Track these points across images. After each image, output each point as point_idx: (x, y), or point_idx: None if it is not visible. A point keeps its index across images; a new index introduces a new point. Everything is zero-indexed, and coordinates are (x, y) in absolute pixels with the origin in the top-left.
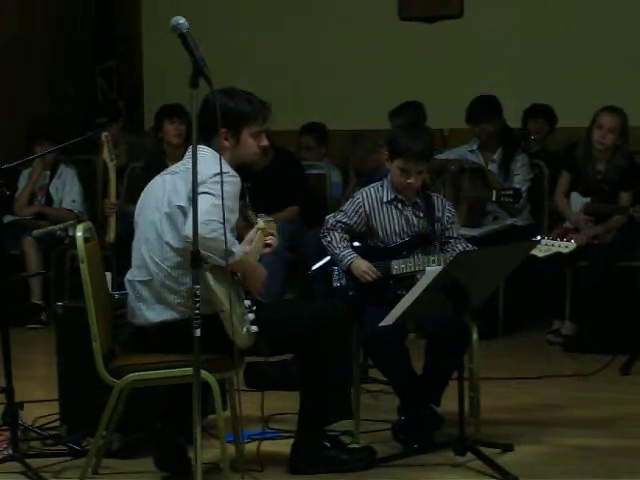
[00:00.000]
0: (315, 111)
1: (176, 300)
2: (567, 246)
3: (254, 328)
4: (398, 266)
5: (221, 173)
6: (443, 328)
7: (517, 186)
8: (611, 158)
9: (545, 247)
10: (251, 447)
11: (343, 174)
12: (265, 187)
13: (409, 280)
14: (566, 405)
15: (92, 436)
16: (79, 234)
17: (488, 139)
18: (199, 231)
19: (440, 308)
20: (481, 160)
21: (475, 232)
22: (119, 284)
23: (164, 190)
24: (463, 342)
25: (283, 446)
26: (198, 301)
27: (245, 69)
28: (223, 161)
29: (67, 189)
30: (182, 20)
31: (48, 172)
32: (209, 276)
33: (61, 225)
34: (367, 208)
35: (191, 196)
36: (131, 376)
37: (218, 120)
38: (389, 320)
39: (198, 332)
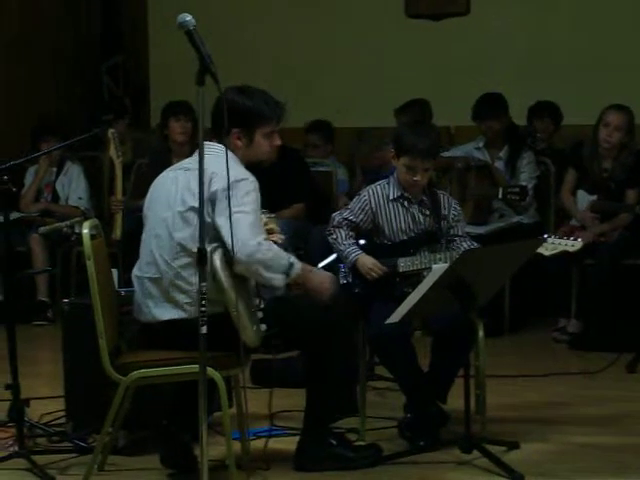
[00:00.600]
0: (321, 109)
1: (185, 299)
2: (574, 245)
3: (263, 326)
4: (405, 263)
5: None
6: (449, 326)
7: (523, 184)
8: (617, 156)
9: (552, 245)
10: (257, 444)
11: (349, 172)
12: (270, 184)
13: (415, 278)
14: (572, 403)
15: (98, 433)
16: (85, 231)
17: (494, 137)
18: (256, 257)
19: (446, 306)
20: (487, 158)
21: (481, 230)
22: (125, 281)
23: (177, 187)
24: (469, 340)
25: (289, 443)
26: (204, 298)
27: (250, 67)
28: (239, 163)
29: (73, 186)
30: (189, 17)
31: (54, 169)
32: (221, 275)
33: (67, 222)
34: (373, 206)
35: (207, 197)
36: (137, 373)
37: (225, 119)
38: (395, 318)
39: (204, 329)
